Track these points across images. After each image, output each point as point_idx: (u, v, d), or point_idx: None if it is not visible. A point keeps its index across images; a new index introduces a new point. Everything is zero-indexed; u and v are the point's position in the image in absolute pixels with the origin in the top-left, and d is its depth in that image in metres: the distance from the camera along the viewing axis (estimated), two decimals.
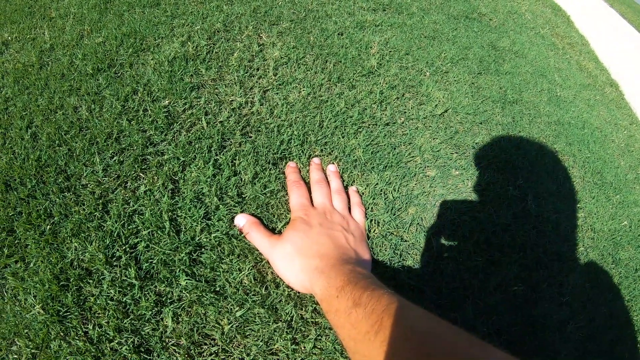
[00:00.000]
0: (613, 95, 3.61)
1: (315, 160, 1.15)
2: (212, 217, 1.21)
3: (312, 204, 1.06)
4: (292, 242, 0.70)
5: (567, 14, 4.87)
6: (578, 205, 2.04)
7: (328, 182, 1.24)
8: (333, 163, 1.37)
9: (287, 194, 1.23)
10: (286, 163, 1.40)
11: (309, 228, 0.75)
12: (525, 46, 3.15)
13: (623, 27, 6.36)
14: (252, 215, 1.14)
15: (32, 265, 1.09)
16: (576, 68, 3.53)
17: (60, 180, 1.25)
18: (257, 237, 0.89)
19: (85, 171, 1.28)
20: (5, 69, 1.63)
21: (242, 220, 0.89)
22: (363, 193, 1.40)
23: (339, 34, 2.21)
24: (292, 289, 1.01)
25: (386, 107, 1.84)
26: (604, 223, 2.03)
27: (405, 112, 1.87)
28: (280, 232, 1.11)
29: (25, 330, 1.00)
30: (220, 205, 1.24)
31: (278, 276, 0.84)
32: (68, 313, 1.03)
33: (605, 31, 5.59)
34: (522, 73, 2.72)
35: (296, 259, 0.65)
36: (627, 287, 1.81)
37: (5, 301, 1.04)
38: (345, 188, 1.31)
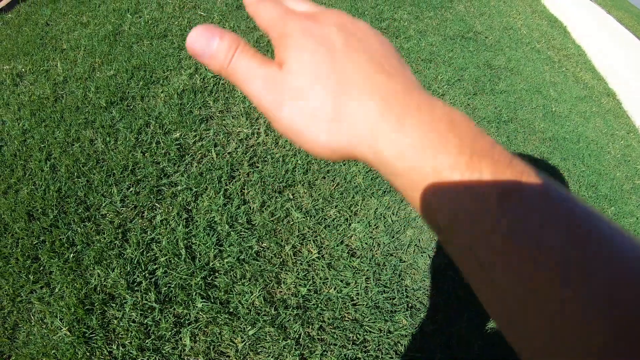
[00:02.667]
0: (610, 105, 3.74)
1: None
2: (224, 243, 1.35)
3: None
4: (309, 70, 0.31)
5: (563, 25, 5.03)
6: None
7: None
8: None
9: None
10: (291, 192, 1.56)
11: (326, 42, 0.32)
12: (520, 62, 3.31)
13: (621, 34, 6.52)
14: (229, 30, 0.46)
15: (57, 290, 1.21)
16: (572, 80, 3.67)
17: (80, 211, 1.38)
18: (247, 67, 0.34)
19: (104, 202, 1.41)
20: (21, 100, 1.76)
21: (213, 40, 0.32)
22: (365, 216, 1.55)
23: None
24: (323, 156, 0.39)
25: None
26: None
27: None
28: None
29: (53, 351, 1.13)
30: (232, 232, 1.38)
31: (295, 141, 0.35)
32: (93, 334, 1.15)
33: (602, 39, 5.73)
34: (517, 91, 2.87)
35: (330, 100, 0.30)
36: None
37: (33, 324, 1.16)
38: None
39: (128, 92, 1.82)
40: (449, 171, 0.25)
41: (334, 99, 0.30)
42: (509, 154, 0.26)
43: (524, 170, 0.25)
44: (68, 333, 1.13)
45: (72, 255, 1.27)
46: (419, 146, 0.27)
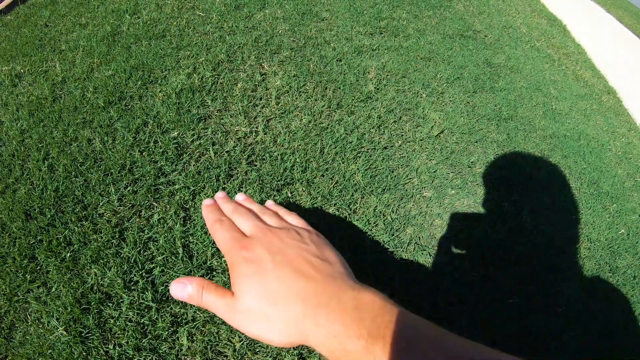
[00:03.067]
0: (610, 103, 3.71)
1: (220, 194, 0.64)
2: None
3: (244, 234, 0.69)
4: (250, 294, 0.48)
5: (563, 24, 5.01)
6: (574, 217, 2.13)
7: (245, 206, 0.90)
8: (239, 192, 1.07)
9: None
10: (289, 190, 1.54)
11: (259, 266, 0.51)
12: (520, 61, 3.29)
13: (620, 32, 6.51)
14: (199, 277, 0.86)
15: (54, 290, 1.20)
16: (572, 78, 3.65)
17: (77, 210, 1.37)
18: (213, 301, 0.58)
19: (102, 201, 1.40)
20: (19, 101, 1.75)
21: (186, 288, 0.54)
22: (365, 214, 1.53)
23: (337, 60, 2.36)
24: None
25: (384, 131, 1.97)
26: (601, 232, 2.12)
27: (402, 135, 2.00)
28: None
29: (49, 351, 1.11)
30: None
31: (261, 341, 0.67)
32: (90, 334, 1.14)
33: (602, 37, 5.73)
34: (517, 88, 2.85)
35: (268, 312, 0.37)
36: (625, 294, 1.88)
37: (29, 323, 1.15)
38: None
39: (126, 92, 1.81)
40: (355, 354, 0.35)
41: (272, 310, 0.42)
42: (399, 328, 0.35)
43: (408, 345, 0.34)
44: (64, 333, 1.12)
45: (69, 254, 1.26)
46: (331, 336, 0.37)
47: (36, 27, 2.21)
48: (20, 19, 2.28)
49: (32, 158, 1.51)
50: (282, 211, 0.71)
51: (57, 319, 1.15)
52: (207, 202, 0.70)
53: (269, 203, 0.75)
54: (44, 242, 1.28)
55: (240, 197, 0.81)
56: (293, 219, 0.68)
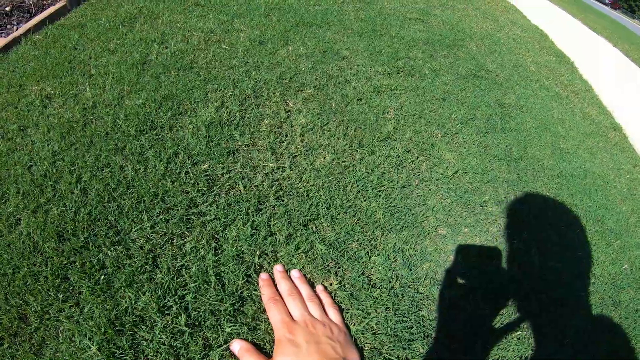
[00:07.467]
0: (616, 140, 3.85)
1: (278, 267, 1.31)
2: (252, 273, 1.45)
3: (292, 318, 1.16)
4: None
5: (571, 61, 5.21)
6: (579, 253, 2.25)
7: (297, 288, 1.33)
8: (295, 268, 1.46)
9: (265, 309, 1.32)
10: (315, 225, 1.68)
11: (297, 349, 0.79)
12: (530, 100, 3.46)
13: (626, 67, 6.69)
14: (246, 340, 1.25)
15: (86, 310, 1.29)
16: (580, 116, 3.80)
17: (111, 235, 1.48)
18: None
19: (135, 227, 1.51)
20: (50, 122, 1.85)
21: (236, 347, 1.10)
22: (385, 250, 1.66)
23: (358, 100, 2.53)
24: None
25: (402, 171, 2.12)
26: (605, 268, 2.22)
27: (419, 175, 2.16)
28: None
29: None
30: (259, 263, 1.49)
31: None
32: (123, 355, 1.22)
33: (609, 73, 5.88)
34: (526, 128, 3.01)
35: None
36: (627, 327, 1.98)
37: (61, 341, 1.22)
38: (312, 286, 1.39)
39: (157, 122, 1.93)
40: None
41: None
42: None
43: None
44: (97, 352, 1.20)
45: (102, 277, 1.35)
46: None
47: (65, 49, 2.33)
48: (49, 39, 2.40)
49: (64, 180, 1.60)
50: (328, 301, 1.21)
51: (89, 339, 1.22)
52: (263, 276, 1.30)
53: (320, 288, 1.28)
54: (77, 263, 1.37)
55: (295, 273, 1.36)
56: (333, 314, 1.16)
